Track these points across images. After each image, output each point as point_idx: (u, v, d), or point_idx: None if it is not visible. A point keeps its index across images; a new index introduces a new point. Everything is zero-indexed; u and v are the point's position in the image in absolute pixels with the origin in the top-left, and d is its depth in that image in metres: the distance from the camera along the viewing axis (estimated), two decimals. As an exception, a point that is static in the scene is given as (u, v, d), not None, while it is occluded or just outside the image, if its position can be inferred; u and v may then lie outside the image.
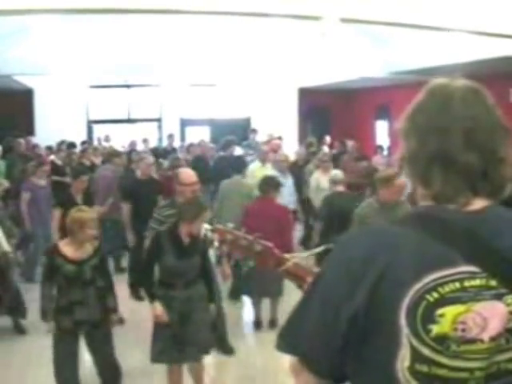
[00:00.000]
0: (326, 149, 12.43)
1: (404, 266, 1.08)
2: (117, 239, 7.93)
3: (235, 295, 6.77)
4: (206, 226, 2.70)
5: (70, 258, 4.12)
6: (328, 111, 17.33)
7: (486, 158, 1.14)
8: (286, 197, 7.66)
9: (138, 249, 6.33)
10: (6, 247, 5.73)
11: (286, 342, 1.20)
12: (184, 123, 16.75)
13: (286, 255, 1.62)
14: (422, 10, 7.06)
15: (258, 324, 6.18)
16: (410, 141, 1.20)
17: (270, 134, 12.89)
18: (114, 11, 7.02)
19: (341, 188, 6.76)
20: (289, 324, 1.21)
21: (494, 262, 1.08)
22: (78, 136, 14.13)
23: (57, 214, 6.13)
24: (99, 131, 15.59)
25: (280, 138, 12.98)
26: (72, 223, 4.13)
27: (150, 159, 8.17)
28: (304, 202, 8.85)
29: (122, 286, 6.20)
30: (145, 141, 13.53)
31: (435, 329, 1.06)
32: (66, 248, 4.16)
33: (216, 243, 2.74)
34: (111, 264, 6.66)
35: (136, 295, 6.80)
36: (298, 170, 9.40)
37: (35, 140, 13.33)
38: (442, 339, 1.06)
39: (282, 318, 5.78)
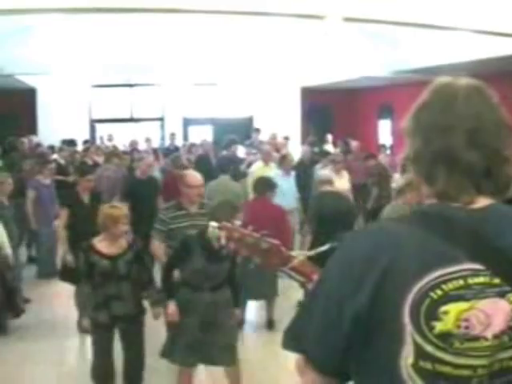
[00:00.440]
0: (331, 148, 12.40)
1: (407, 264, 1.08)
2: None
3: None
4: (213, 223, 2.70)
5: (105, 254, 4.17)
6: (331, 110, 17.32)
7: (489, 157, 1.14)
8: (290, 197, 7.60)
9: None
10: (8, 250, 5.70)
11: (292, 341, 1.21)
12: (187, 122, 16.76)
13: (293, 253, 1.63)
14: (425, 8, 7.06)
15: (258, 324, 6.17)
16: (414, 140, 1.20)
17: (274, 133, 12.84)
18: (117, 10, 7.04)
19: (329, 187, 6.65)
20: (294, 322, 1.22)
21: (497, 259, 1.09)
22: (80, 135, 14.17)
23: (64, 213, 6.09)
24: (102, 130, 15.64)
25: (286, 138, 12.95)
26: (105, 219, 4.17)
27: (150, 159, 8.13)
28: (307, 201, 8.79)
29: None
30: (147, 140, 13.54)
31: (439, 326, 1.06)
32: (100, 244, 4.21)
33: (222, 240, 2.74)
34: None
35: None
36: (303, 170, 9.31)
37: (38, 139, 13.35)
38: (445, 336, 1.06)
39: (278, 317, 5.83)
